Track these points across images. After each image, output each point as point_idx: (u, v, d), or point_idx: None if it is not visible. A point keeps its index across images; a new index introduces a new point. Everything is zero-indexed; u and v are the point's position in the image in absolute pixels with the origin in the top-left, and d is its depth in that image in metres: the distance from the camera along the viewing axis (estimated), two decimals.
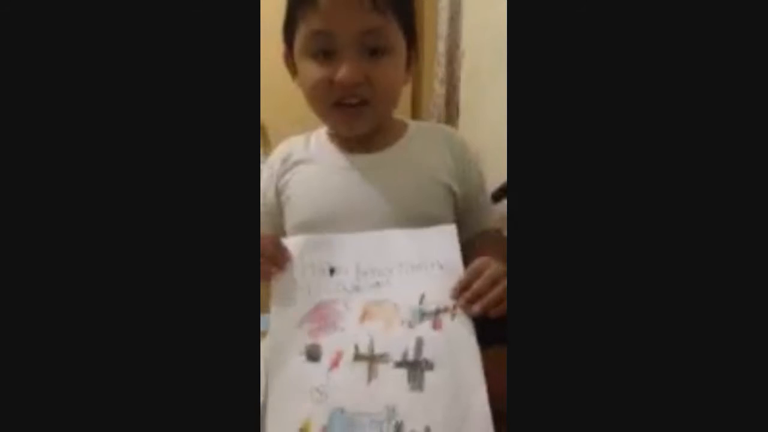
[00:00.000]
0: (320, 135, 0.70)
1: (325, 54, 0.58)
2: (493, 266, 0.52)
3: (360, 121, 0.63)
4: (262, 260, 0.56)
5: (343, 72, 0.57)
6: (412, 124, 0.72)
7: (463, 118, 1.35)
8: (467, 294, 0.51)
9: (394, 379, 0.48)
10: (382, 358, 0.49)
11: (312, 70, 0.60)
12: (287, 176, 0.69)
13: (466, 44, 1.35)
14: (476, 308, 0.50)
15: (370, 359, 0.49)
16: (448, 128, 0.82)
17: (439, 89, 1.42)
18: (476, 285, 0.51)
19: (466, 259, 0.56)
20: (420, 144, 0.68)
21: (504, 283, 0.51)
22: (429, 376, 0.47)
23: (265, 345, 0.63)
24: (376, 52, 0.58)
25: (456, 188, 0.66)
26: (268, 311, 0.55)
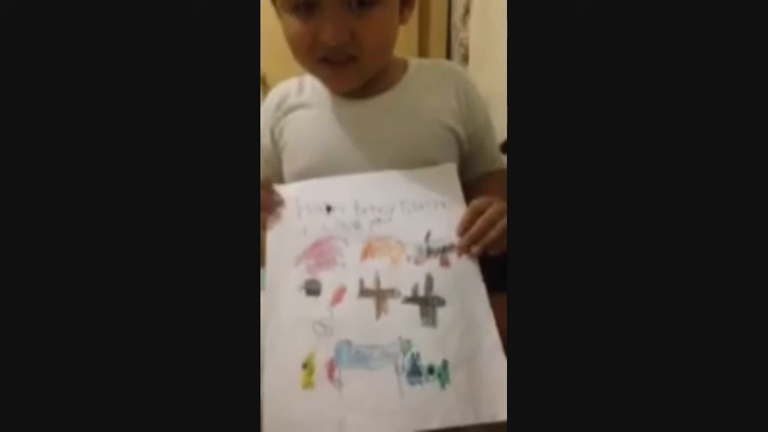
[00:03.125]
0: (315, 79, 0.66)
1: (306, 5, 0.53)
2: (493, 205, 0.51)
3: (348, 78, 0.59)
4: None
5: (326, 33, 0.53)
6: (413, 63, 0.67)
7: (473, 62, 1.30)
8: (468, 234, 0.50)
9: (405, 314, 0.46)
10: (391, 293, 0.48)
11: (293, 26, 0.55)
12: (282, 122, 0.66)
13: None
14: (475, 249, 0.49)
15: (378, 294, 0.48)
16: (452, 65, 0.76)
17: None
18: (476, 225, 0.50)
19: (470, 200, 0.55)
20: (421, 85, 0.64)
21: (504, 222, 0.50)
22: (441, 312, 0.46)
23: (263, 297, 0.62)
24: (363, 3, 0.52)
25: (460, 130, 0.63)
26: (264, 266, 0.53)
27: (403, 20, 0.60)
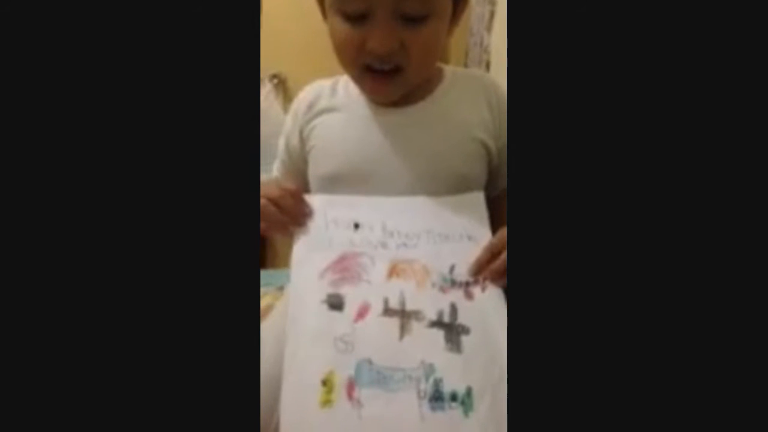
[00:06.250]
0: (348, 82, 0.65)
1: (358, 15, 0.52)
2: None
3: (391, 89, 0.59)
4: (280, 213, 0.54)
5: (375, 40, 0.52)
6: (448, 72, 0.66)
7: (494, 69, 1.29)
8: (491, 269, 0.49)
9: (429, 338, 0.46)
10: (416, 315, 0.47)
11: (341, 30, 0.54)
12: (312, 124, 0.65)
13: None
14: (503, 282, 0.49)
15: (402, 315, 0.47)
16: (486, 77, 0.76)
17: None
18: (498, 261, 0.49)
19: (499, 215, 0.54)
20: (455, 96, 0.63)
21: None
22: (465, 340, 0.46)
23: (284, 299, 0.61)
24: (415, 17, 0.51)
25: (491, 144, 0.62)
26: (286, 266, 0.54)
27: (449, 33, 0.60)
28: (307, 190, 0.63)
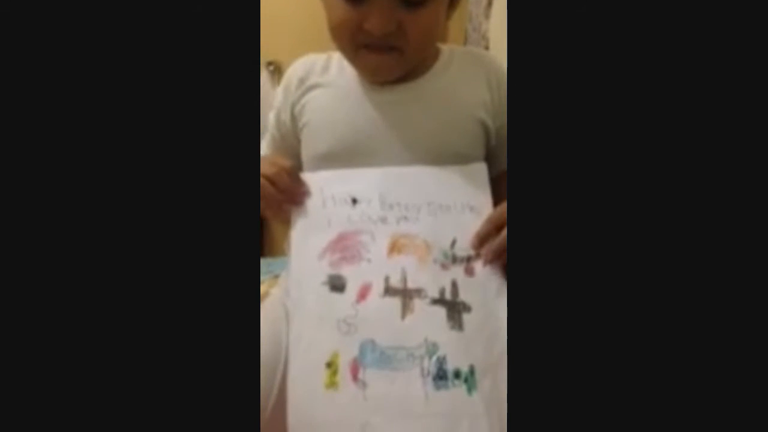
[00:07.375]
0: (342, 60, 0.63)
1: None
2: None
3: (388, 68, 0.57)
4: (276, 192, 0.52)
5: (373, 21, 0.51)
6: (446, 50, 0.65)
7: (493, 50, 1.28)
8: (491, 247, 0.49)
9: (432, 316, 0.45)
10: (417, 293, 0.47)
11: (339, 9, 0.53)
12: (304, 99, 0.63)
13: None
14: (502, 261, 0.48)
15: (404, 293, 0.47)
16: (486, 55, 0.74)
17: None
18: (499, 239, 0.48)
19: (497, 196, 0.53)
20: (453, 74, 0.62)
21: None
22: (466, 318, 0.45)
23: (283, 284, 0.60)
24: (414, 0, 0.51)
25: (490, 123, 0.61)
26: (283, 254, 0.53)
27: (448, 16, 0.59)
28: (299, 168, 0.62)
